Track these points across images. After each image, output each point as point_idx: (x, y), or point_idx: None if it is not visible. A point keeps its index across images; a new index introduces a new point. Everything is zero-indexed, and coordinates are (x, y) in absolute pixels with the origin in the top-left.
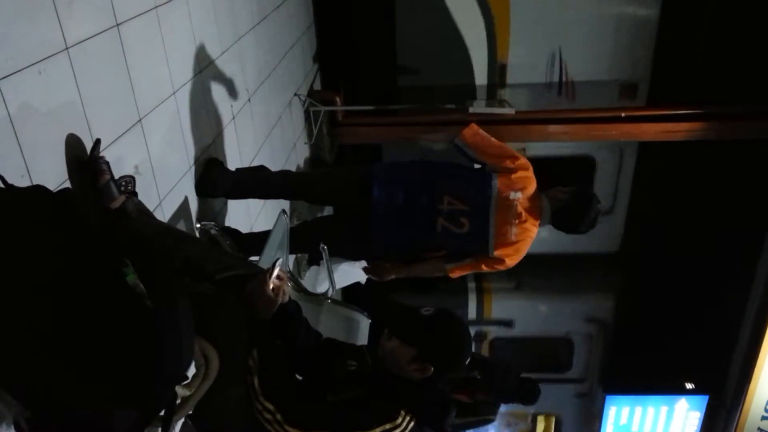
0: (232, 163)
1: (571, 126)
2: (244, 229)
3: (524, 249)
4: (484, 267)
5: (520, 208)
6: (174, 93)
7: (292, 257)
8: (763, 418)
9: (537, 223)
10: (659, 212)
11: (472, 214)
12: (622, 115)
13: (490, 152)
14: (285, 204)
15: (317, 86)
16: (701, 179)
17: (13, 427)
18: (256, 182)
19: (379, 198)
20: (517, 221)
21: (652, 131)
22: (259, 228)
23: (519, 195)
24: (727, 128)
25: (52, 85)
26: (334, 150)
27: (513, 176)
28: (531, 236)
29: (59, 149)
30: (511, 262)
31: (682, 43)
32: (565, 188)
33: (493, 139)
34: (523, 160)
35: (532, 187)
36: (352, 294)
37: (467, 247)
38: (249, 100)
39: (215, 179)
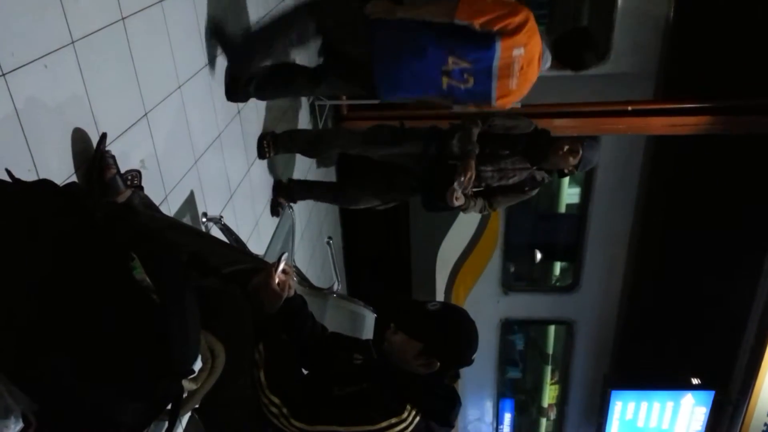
0: (237, 158)
1: (578, 120)
2: (250, 225)
3: (524, 92)
4: (483, 109)
5: (522, 61)
6: (179, 87)
7: (297, 251)
8: None
9: (538, 69)
10: (668, 207)
11: (476, 73)
12: (629, 108)
13: (489, 20)
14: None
15: None
16: (708, 174)
17: (21, 420)
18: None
19: (382, 68)
20: (518, 72)
21: (659, 125)
22: (264, 224)
23: (522, 51)
24: (735, 122)
25: (58, 80)
26: None
27: (517, 36)
28: (531, 81)
29: (66, 143)
30: (510, 104)
31: (692, 36)
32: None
33: (487, 2)
34: (523, 15)
35: (535, 38)
36: (357, 289)
37: (471, 100)
38: None
39: (241, 83)
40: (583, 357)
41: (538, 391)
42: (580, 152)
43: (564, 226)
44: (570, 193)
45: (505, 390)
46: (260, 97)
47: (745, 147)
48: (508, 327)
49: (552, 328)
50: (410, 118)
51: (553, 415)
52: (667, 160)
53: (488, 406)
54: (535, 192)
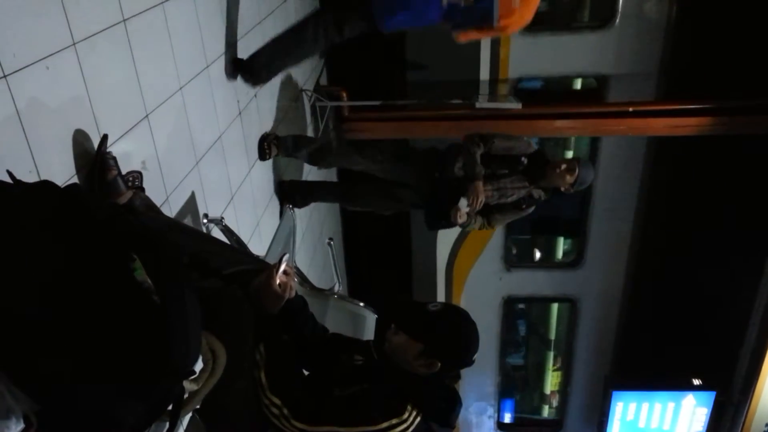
0: (238, 159)
1: (578, 121)
2: (251, 226)
3: (528, 15)
4: (486, 35)
5: None
6: (181, 88)
7: (298, 252)
8: None
9: None
10: (669, 207)
11: None
12: (630, 110)
13: None
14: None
15: (323, 81)
16: (710, 174)
17: (22, 420)
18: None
19: None
20: None
21: (660, 126)
22: (265, 225)
23: None
24: (737, 123)
25: (60, 81)
26: None
27: None
28: (535, 3)
29: (67, 145)
30: (513, 29)
31: (692, 36)
32: None
33: None
34: None
35: None
36: (358, 290)
37: (472, 19)
38: (255, 95)
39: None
40: (587, 336)
41: (540, 377)
42: (577, 170)
43: (568, 199)
44: None
45: (507, 370)
46: (272, 68)
47: (746, 146)
48: (510, 305)
49: (555, 312)
50: (413, 119)
51: (555, 402)
52: (668, 156)
53: (489, 388)
54: (531, 209)
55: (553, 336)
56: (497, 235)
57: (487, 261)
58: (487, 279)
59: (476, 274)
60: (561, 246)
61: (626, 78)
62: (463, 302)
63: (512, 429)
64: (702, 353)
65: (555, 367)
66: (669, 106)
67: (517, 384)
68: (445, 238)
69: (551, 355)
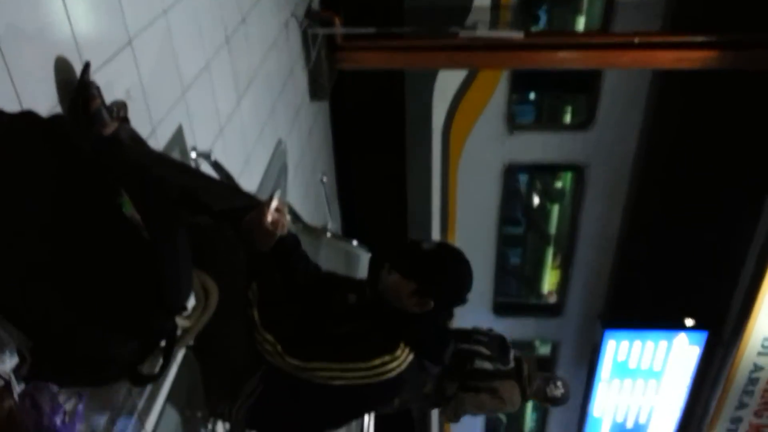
0: (226, 89)
1: (582, 52)
2: (240, 161)
3: None
4: None
5: None
6: (165, 12)
7: (290, 188)
8: (760, 353)
9: None
10: (668, 145)
11: None
12: (636, 41)
13: None
14: (282, 133)
15: (315, 6)
16: (712, 110)
17: (16, 356)
18: None
19: None
20: None
21: (666, 59)
22: (255, 160)
23: None
24: (747, 57)
25: (38, 4)
26: (333, 76)
27: None
28: None
29: (49, 73)
30: None
31: None
32: None
33: None
34: None
35: None
36: (352, 228)
37: None
38: (243, 20)
39: None
40: (594, 209)
41: (538, 277)
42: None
43: None
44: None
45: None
46: None
47: (756, 83)
48: (512, 173)
49: (555, 207)
50: (410, 49)
51: (552, 300)
52: (675, 93)
53: (486, 265)
54: None
55: (553, 231)
56: (499, 93)
57: (487, 122)
58: (488, 143)
59: (476, 137)
60: (569, 104)
61: (632, 7)
62: (461, 170)
63: (509, 313)
64: (696, 293)
65: (555, 265)
66: (677, 38)
67: (513, 282)
68: (442, 95)
69: (551, 251)
